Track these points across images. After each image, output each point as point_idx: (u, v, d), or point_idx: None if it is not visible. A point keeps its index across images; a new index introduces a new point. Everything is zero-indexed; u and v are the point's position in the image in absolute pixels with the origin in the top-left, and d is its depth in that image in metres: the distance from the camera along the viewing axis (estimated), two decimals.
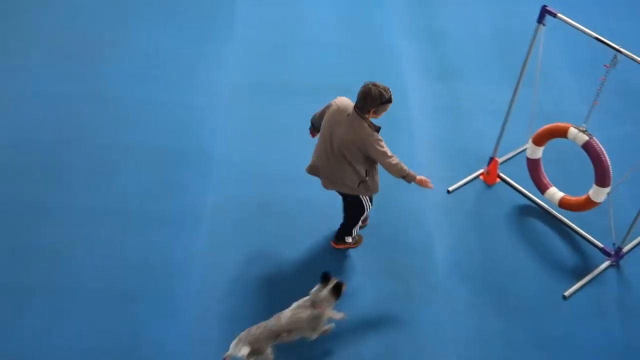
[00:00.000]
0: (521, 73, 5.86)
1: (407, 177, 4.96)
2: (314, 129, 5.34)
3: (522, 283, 5.50)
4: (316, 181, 5.81)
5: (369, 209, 5.35)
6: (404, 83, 7.28)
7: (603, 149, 5.46)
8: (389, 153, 4.85)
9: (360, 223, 5.46)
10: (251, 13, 8.04)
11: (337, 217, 5.66)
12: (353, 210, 5.31)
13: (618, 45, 5.12)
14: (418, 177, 5.00)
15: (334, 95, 7.17)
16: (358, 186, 5.04)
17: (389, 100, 4.77)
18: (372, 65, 7.50)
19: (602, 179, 5.50)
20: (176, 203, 5.84)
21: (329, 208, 5.87)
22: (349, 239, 5.59)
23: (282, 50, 7.56)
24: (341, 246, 5.65)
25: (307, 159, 6.33)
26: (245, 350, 4.43)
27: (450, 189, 6.16)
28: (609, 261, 5.70)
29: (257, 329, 4.57)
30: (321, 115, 5.14)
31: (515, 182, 6.28)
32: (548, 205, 6.11)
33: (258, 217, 5.82)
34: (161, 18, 7.81)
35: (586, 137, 5.50)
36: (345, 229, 5.49)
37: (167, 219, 5.70)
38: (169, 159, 6.22)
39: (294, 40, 7.71)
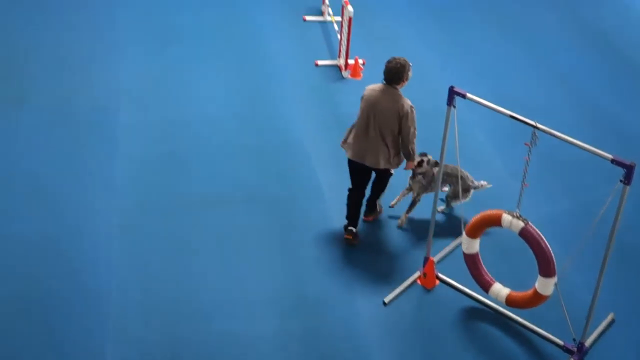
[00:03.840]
0: (441, 157, 6.08)
1: (412, 154, 6.52)
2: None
3: None
4: (240, 307, 6.06)
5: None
6: (318, 181, 7.40)
7: (541, 235, 5.64)
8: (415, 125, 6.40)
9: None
10: (135, 120, 8.07)
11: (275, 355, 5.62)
12: (382, 181, 6.84)
13: (535, 120, 5.42)
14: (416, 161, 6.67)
15: (239, 206, 7.20)
16: (393, 158, 6.45)
17: (410, 67, 6.33)
18: (278, 164, 7.62)
19: (546, 269, 5.66)
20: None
21: (258, 341, 5.76)
22: (378, 208, 7.00)
23: (173, 159, 7.57)
24: (372, 218, 7.02)
25: (222, 281, 6.24)
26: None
27: (386, 300, 6.18)
28: None
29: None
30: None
31: (455, 281, 6.37)
32: (495, 304, 6.21)
33: None
34: (37, 138, 7.71)
35: (522, 224, 5.69)
36: (374, 199, 6.94)
37: None
38: (54, 306, 5.96)
39: (186, 146, 7.75)
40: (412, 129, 6.38)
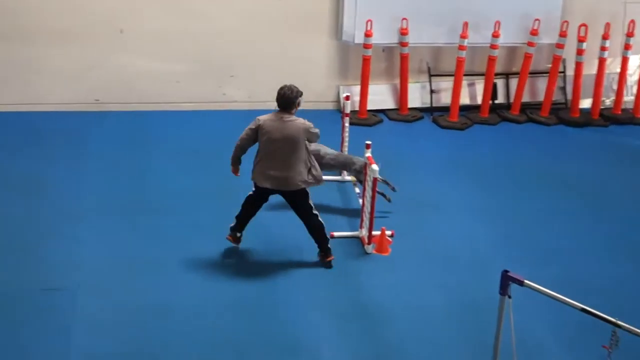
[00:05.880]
0: (494, 357, 6.06)
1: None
2: (238, 162, 8.93)
3: None
4: None
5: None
6: None
7: None
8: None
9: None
10: (94, 307, 8.14)
11: None
12: (309, 208, 8.80)
13: (616, 315, 5.46)
14: None
15: None
16: (307, 174, 8.63)
17: (302, 93, 8.68)
18: None
19: None
20: None
21: None
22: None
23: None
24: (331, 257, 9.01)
25: None
26: None
27: None
28: None
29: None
30: (248, 140, 8.70)
31: None
32: None
33: None
34: None
35: None
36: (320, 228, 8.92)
37: None
38: None
39: (157, 342, 7.74)
40: (317, 134, 8.77)
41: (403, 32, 12.59)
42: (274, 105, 11.94)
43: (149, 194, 10.24)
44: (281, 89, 8.60)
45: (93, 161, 10.99)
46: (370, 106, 12.91)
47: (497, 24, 12.65)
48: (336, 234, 9.45)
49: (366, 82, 12.68)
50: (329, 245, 8.91)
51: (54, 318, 7.98)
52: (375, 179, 8.92)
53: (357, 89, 12.83)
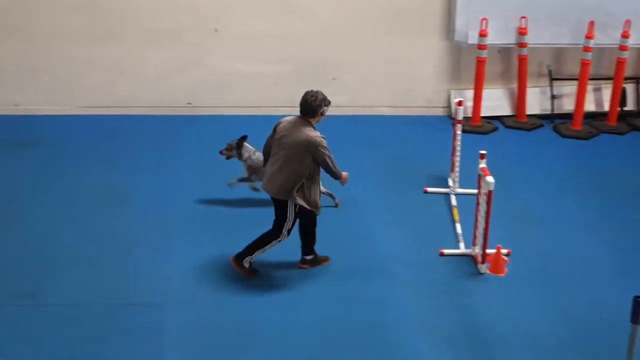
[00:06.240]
0: None
1: (340, 178, 8.85)
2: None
3: None
4: None
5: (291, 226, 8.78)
6: None
7: None
8: (331, 155, 8.56)
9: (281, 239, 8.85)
10: (186, 322, 8.20)
11: None
12: (282, 215, 8.76)
13: None
14: (344, 174, 8.85)
15: None
16: (297, 191, 8.53)
17: (330, 102, 8.62)
18: None
19: None
20: None
21: None
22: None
23: None
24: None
25: None
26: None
27: None
28: None
29: None
30: (268, 145, 8.93)
31: None
32: None
33: None
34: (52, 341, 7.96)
35: None
36: (271, 238, 8.88)
37: None
38: None
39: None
40: (328, 162, 8.58)
41: (521, 32, 12.42)
42: (379, 111, 12.02)
43: (240, 204, 10.34)
44: (306, 93, 8.57)
45: (182, 168, 11.16)
46: (484, 112, 12.79)
47: (627, 23, 12.38)
48: (446, 251, 9.38)
49: (480, 86, 12.56)
50: (246, 263, 8.86)
51: (143, 336, 8.07)
52: (490, 192, 8.83)
53: (470, 93, 12.74)
